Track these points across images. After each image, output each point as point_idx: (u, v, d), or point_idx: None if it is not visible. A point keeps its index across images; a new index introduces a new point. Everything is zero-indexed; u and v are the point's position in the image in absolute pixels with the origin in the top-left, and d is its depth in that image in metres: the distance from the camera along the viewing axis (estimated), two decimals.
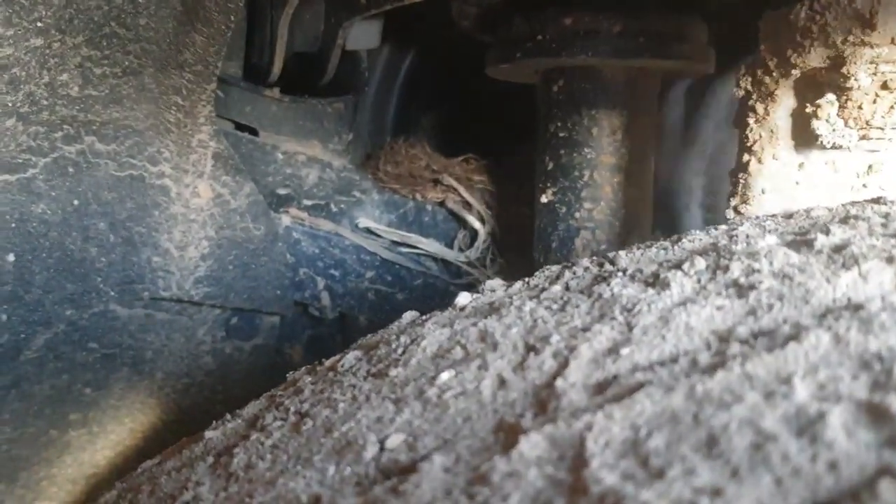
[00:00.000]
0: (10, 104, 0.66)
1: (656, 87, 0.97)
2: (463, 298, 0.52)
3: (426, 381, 0.40)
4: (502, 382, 0.38)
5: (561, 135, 0.94)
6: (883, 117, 0.62)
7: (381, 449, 0.36)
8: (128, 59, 0.73)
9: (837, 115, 0.63)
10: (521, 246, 1.07)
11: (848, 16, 0.60)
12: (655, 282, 0.42)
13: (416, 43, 1.17)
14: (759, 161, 0.69)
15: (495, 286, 0.53)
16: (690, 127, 1.13)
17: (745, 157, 0.69)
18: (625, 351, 0.36)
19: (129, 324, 0.81)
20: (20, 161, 0.70)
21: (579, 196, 0.94)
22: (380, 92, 1.17)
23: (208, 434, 0.49)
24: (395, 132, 1.20)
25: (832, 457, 0.25)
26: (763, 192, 0.69)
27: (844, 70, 0.61)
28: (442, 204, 1.10)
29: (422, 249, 1.06)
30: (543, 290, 0.48)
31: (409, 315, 0.54)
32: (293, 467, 0.38)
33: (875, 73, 0.61)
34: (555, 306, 0.44)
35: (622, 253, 0.50)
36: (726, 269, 0.41)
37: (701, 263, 0.43)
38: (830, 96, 0.63)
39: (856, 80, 0.61)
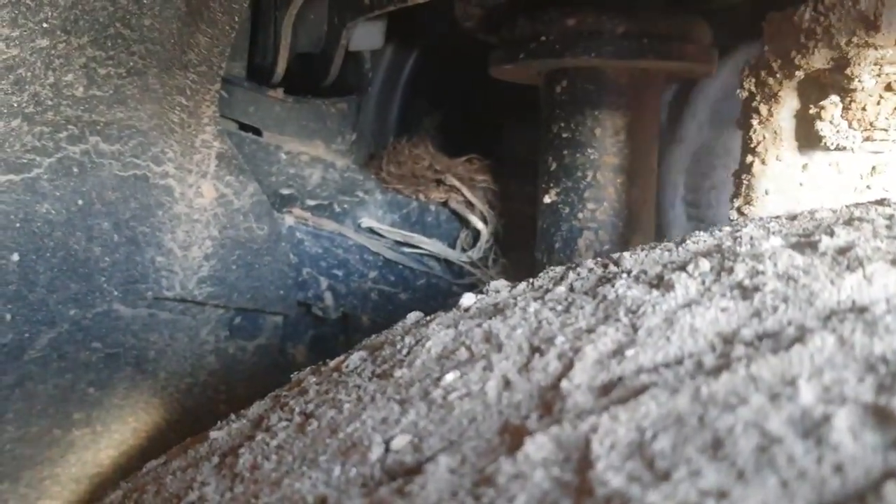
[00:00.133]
0: (15, 104, 0.66)
1: (659, 88, 0.97)
2: (467, 299, 0.52)
3: (431, 382, 0.40)
4: (507, 384, 0.38)
5: (564, 135, 0.94)
6: (887, 119, 0.62)
7: (387, 450, 0.36)
8: (132, 60, 0.74)
9: (841, 116, 0.63)
10: (521, 243, 1.08)
11: (852, 17, 0.60)
12: (660, 283, 0.42)
13: (420, 44, 1.17)
14: (763, 162, 0.69)
15: (500, 287, 0.53)
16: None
17: (749, 158, 0.69)
18: (630, 353, 0.37)
19: (132, 323, 0.81)
20: (25, 161, 0.71)
21: (582, 196, 0.94)
22: (383, 92, 1.17)
23: (213, 434, 0.49)
24: (398, 132, 1.20)
25: (838, 459, 0.25)
26: (766, 193, 0.69)
27: (848, 71, 0.61)
28: (445, 204, 1.10)
29: (424, 249, 1.07)
30: (548, 291, 0.48)
31: (413, 316, 0.55)
32: (299, 468, 0.38)
33: (879, 75, 0.61)
34: (559, 307, 0.44)
35: (626, 254, 0.50)
36: (731, 270, 0.41)
37: (705, 265, 0.43)
38: (834, 98, 0.63)
39: (860, 81, 0.61)
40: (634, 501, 0.26)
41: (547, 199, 0.96)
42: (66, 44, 0.68)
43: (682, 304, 0.40)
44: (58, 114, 0.71)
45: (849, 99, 0.62)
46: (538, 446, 0.31)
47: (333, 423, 0.41)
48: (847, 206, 0.51)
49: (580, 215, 0.94)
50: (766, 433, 0.28)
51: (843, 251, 0.40)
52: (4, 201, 0.70)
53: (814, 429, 0.27)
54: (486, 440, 0.34)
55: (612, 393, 0.34)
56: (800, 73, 0.64)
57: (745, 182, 0.69)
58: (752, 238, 0.46)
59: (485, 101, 1.22)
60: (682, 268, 0.43)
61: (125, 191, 0.78)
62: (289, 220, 0.98)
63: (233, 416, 0.52)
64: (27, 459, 0.77)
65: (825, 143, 0.64)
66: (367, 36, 1.00)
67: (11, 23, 0.62)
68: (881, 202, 0.51)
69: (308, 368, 0.54)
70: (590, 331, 0.39)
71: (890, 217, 0.45)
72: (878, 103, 0.61)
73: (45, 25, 0.64)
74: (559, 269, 0.52)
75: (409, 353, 0.45)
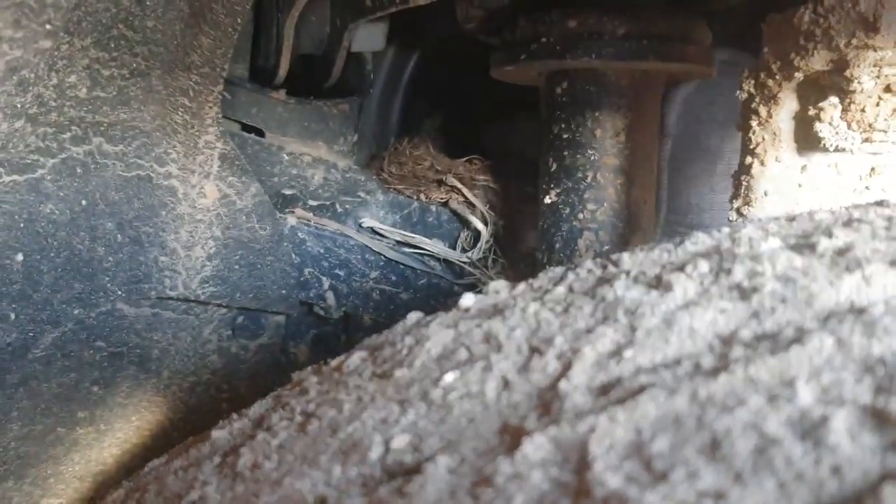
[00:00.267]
0: (18, 105, 0.67)
1: (660, 89, 0.97)
2: (467, 300, 0.52)
3: (431, 383, 0.41)
4: (506, 384, 0.38)
5: (564, 136, 0.95)
6: (886, 120, 0.62)
7: (387, 450, 0.37)
8: (135, 61, 0.74)
9: (840, 117, 0.63)
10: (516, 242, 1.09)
11: (852, 19, 0.60)
12: (658, 284, 0.43)
13: (421, 45, 1.17)
14: (762, 163, 0.69)
15: (499, 287, 0.54)
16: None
17: (748, 159, 0.70)
18: (628, 353, 0.37)
19: (136, 323, 0.82)
20: (29, 162, 0.71)
21: (582, 197, 0.94)
22: (384, 93, 1.17)
23: (215, 434, 0.50)
24: (399, 133, 1.20)
25: (836, 461, 0.26)
26: (765, 194, 0.69)
27: (848, 73, 0.61)
28: (445, 204, 1.11)
29: (425, 249, 1.07)
30: (547, 291, 0.48)
31: (413, 316, 0.55)
32: (299, 467, 0.39)
33: (878, 77, 0.61)
34: (558, 308, 0.44)
35: (625, 255, 0.50)
36: (729, 271, 0.41)
37: (704, 266, 0.43)
38: (833, 99, 0.63)
39: (859, 83, 0.61)
40: (632, 502, 0.26)
41: (547, 200, 0.96)
42: (69, 45, 0.68)
43: (680, 305, 0.40)
44: (61, 115, 0.71)
45: (848, 100, 0.62)
46: (536, 447, 0.31)
47: (334, 422, 0.41)
48: (846, 208, 0.51)
49: (580, 216, 0.94)
50: (764, 434, 0.28)
51: (841, 252, 0.41)
52: (8, 202, 0.70)
53: (812, 430, 0.27)
54: (485, 440, 0.34)
55: (611, 394, 0.34)
56: (799, 75, 0.64)
57: (744, 183, 0.69)
58: (750, 239, 0.46)
59: (485, 101, 1.22)
60: (681, 269, 0.43)
61: (129, 191, 0.78)
62: (291, 220, 0.98)
63: (234, 416, 0.52)
64: (32, 457, 0.78)
65: (824, 145, 0.64)
66: (368, 37, 1.01)
67: (14, 24, 0.62)
68: (880, 203, 0.51)
69: (309, 368, 0.54)
70: (588, 331, 0.40)
71: (889, 218, 0.46)
72: (878, 105, 0.61)
73: (48, 27, 0.64)
74: (559, 270, 0.52)
75: (408, 353, 0.45)
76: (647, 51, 0.89)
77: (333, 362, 0.52)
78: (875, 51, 0.59)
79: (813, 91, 0.65)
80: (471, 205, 1.10)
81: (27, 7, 0.62)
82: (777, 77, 0.66)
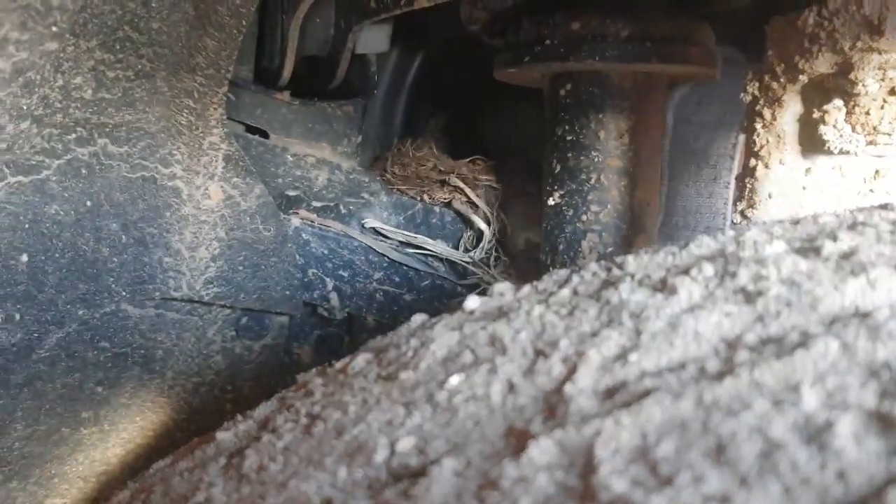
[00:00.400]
0: (24, 107, 0.67)
1: (663, 91, 0.97)
2: (471, 302, 0.52)
3: (436, 385, 0.41)
4: (512, 387, 0.38)
5: (568, 138, 0.95)
6: (890, 123, 0.63)
7: (392, 452, 0.37)
8: (140, 63, 0.74)
9: (845, 120, 0.63)
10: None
11: (856, 22, 0.60)
12: (663, 287, 0.43)
13: (425, 47, 1.18)
14: (766, 166, 0.69)
15: (504, 290, 0.54)
16: None
17: (752, 161, 0.70)
18: (633, 357, 0.37)
19: (140, 323, 0.82)
20: (34, 163, 0.71)
21: (586, 199, 0.94)
22: (388, 95, 1.17)
23: (220, 435, 0.50)
24: (402, 135, 1.21)
25: (841, 466, 0.26)
26: (770, 196, 0.69)
27: (852, 76, 0.61)
28: (449, 204, 1.11)
29: (427, 249, 1.07)
30: (552, 294, 0.48)
31: (418, 318, 0.55)
32: (305, 469, 0.39)
33: (883, 79, 0.61)
34: (563, 311, 0.44)
35: (630, 258, 0.50)
36: (734, 275, 0.42)
37: (709, 269, 0.43)
38: (838, 102, 0.63)
39: (864, 85, 0.61)
40: None
41: (551, 202, 0.96)
42: (75, 47, 0.68)
43: (685, 308, 0.40)
44: (67, 116, 0.72)
45: (852, 103, 0.62)
46: (542, 450, 0.31)
47: (339, 424, 0.41)
48: (850, 211, 0.51)
49: (584, 217, 0.94)
50: (769, 439, 0.28)
51: (846, 256, 0.41)
52: (14, 203, 0.71)
53: (817, 435, 0.27)
54: (491, 443, 0.34)
55: (616, 397, 0.34)
56: (803, 78, 0.64)
57: (748, 185, 0.69)
58: (755, 242, 0.46)
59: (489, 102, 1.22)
60: (686, 272, 0.43)
61: (133, 192, 0.78)
62: (295, 221, 0.98)
63: (239, 417, 0.53)
64: (36, 457, 0.78)
65: (828, 147, 0.64)
66: (372, 39, 1.01)
67: (21, 26, 0.62)
68: (885, 206, 0.51)
69: (314, 370, 0.54)
70: (594, 334, 0.40)
71: (893, 222, 0.46)
72: (882, 107, 0.62)
73: (54, 29, 0.64)
74: (563, 273, 0.52)
75: (413, 355, 0.45)
76: (651, 53, 0.89)
77: (338, 364, 0.52)
78: (880, 54, 0.59)
79: (817, 94, 0.65)
80: (474, 205, 1.10)
81: (33, 10, 0.62)
82: (781, 80, 0.66)
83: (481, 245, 1.09)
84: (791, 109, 0.67)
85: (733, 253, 0.45)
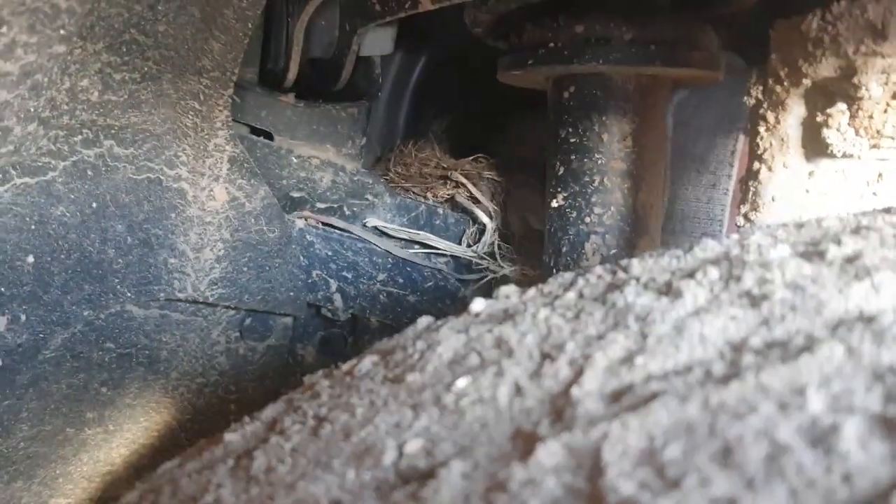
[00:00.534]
0: (31, 109, 0.68)
1: (667, 94, 0.98)
2: (477, 304, 0.53)
3: (443, 388, 0.41)
4: (518, 390, 0.38)
5: (572, 140, 0.95)
6: (894, 126, 0.63)
7: (400, 454, 0.37)
8: (147, 65, 0.75)
9: (848, 124, 0.64)
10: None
11: (860, 26, 0.61)
12: (669, 291, 0.43)
13: (429, 49, 1.18)
14: (770, 169, 0.69)
15: (510, 292, 0.54)
16: None
17: (756, 164, 0.70)
18: (639, 360, 0.37)
19: (145, 324, 0.83)
20: (40, 164, 0.72)
21: (589, 201, 0.94)
22: (392, 97, 1.18)
23: (228, 436, 0.50)
24: (405, 137, 1.21)
25: (846, 469, 0.26)
26: (773, 199, 0.70)
27: (856, 80, 0.61)
28: (451, 200, 1.11)
29: (431, 245, 1.07)
30: (557, 297, 0.48)
31: (423, 320, 0.55)
32: (313, 471, 0.39)
33: (886, 83, 0.61)
34: (569, 314, 0.44)
35: (635, 261, 0.50)
36: (739, 278, 0.42)
37: (714, 273, 0.44)
38: (841, 106, 0.64)
39: (867, 90, 0.61)
40: None
41: (554, 204, 0.96)
42: (82, 49, 0.69)
43: (691, 311, 0.40)
44: (73, 118, 0.72)
45: (856, 107, 0.62)
46: (550, 453, 0.31)
47: (347, 427, 0.42)
48: (854, 215, 0.51)
49: (587, 220, 0.94)
50: (775, 442, 0.28)
51: (850, 260, 0.41)
52: (20, 204, 0.71)
53: (823, 438, 0.28)
54: (498, 446, 0.34)
55: (623, 400, 0.34)
56: (807, 81, 0.65)
57: (751, 189, 0.70)
58: (759, 246, 0.46)
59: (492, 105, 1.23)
60: (691, 275, 0.43)
61: (139, 194, 0.79)
62: (299, 222, 0.99)
63: (246, 419, 0.53)
64: (41, 457, 0.79)
65: (832, 151, 0.64)
66: (377, 42, 1.01)
67: (29, 29, 0.63)
68: (888, 210, 0.51)
69: (320, 372, 0.55)
70: (599, 337, 0.40)
71: None
72: (886, 111, 0.62)
73: (62, 32, 0.65)
74: (568, 275, 0.53)
75: (420, 357, 0.46)
76: (654, 56, 0.89)
77: (345, 366, 0.52)
78: (883, 58, 0.60)
79: (821, 97, 0.65)
80: (476, 199, 1.11)
81: (42, 13, 0.63)
82: (785, 83, 0.66)
83: (484, 239, 1.10)
84: (794, 113, 0.67)
85: (738, 256, 0.45)
